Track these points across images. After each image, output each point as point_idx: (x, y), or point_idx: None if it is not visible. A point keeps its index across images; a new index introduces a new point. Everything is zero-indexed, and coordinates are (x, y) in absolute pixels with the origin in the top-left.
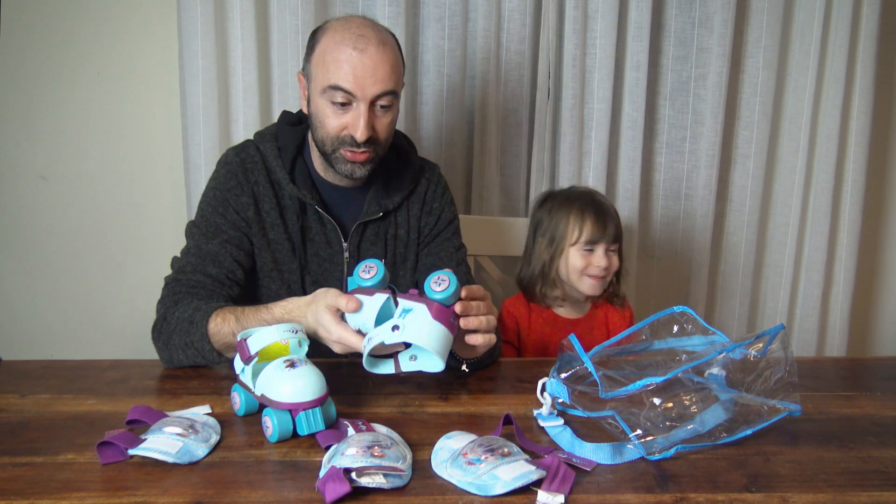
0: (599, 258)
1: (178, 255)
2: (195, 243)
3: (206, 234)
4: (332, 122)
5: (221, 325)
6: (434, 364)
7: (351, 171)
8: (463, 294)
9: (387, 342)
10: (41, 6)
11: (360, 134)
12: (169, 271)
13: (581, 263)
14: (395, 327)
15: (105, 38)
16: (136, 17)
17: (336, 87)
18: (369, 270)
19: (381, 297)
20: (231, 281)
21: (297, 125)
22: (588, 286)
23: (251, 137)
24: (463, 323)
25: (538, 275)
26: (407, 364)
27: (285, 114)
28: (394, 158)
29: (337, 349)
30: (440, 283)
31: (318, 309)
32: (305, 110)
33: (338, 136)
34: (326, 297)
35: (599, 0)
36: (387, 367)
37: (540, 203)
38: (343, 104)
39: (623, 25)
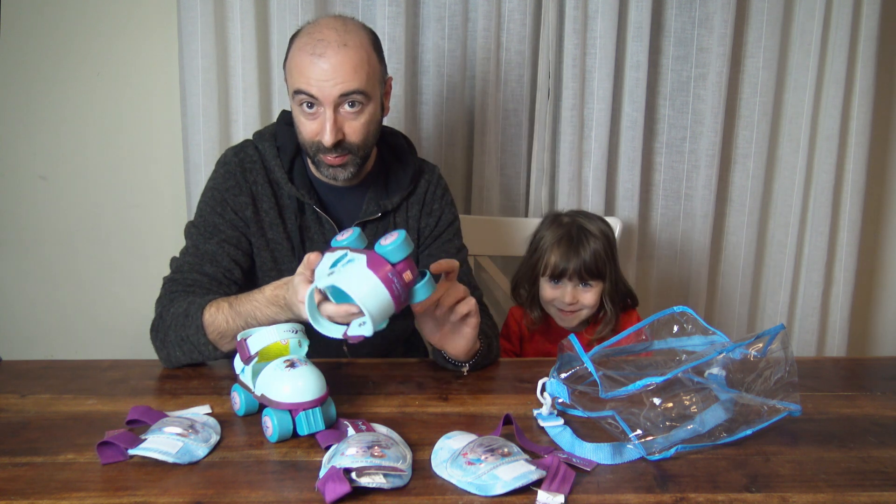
0: (565, 293)
1: (177, 255)
2: (193, 243)
3: (204, 234)
4: (305, 127)
5: (216, 314)
6: (367, 323)
7: (333, 175)
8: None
9: (320, 286)
10: (41, 6)
11: (327, 138)
12: (168, 271)
13: (548, 295)
14: (331, 273)
15: (105, 38)
16: (136, 17)
17: (299, 92)
18: (344, 234)
19: (339, 253)
20: (228, 280)
21: None
22: (558, 318)
23: (250, 137)
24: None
25: (523, 294)
26: (355, 329)
27: (285, 113)
28: (393, 159)
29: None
30: (387, 238)
31: (294, 277)
32: None
33: (312, 141)
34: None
35: (599, 0)
36: (336, 332)
37: (541, 222)
38: (311, 109)
39: (623, 25)
